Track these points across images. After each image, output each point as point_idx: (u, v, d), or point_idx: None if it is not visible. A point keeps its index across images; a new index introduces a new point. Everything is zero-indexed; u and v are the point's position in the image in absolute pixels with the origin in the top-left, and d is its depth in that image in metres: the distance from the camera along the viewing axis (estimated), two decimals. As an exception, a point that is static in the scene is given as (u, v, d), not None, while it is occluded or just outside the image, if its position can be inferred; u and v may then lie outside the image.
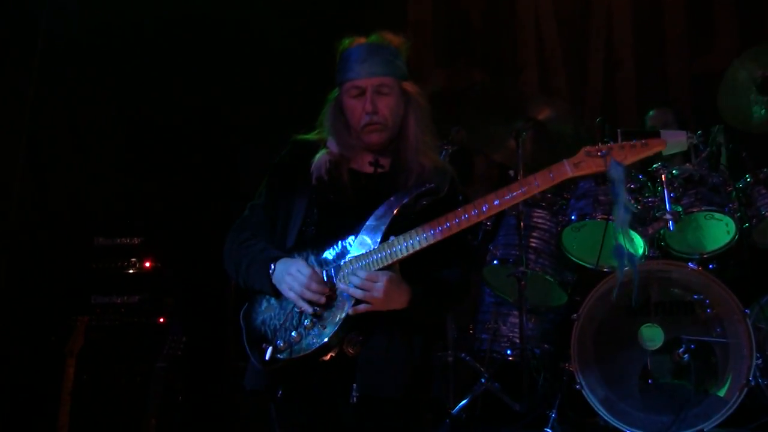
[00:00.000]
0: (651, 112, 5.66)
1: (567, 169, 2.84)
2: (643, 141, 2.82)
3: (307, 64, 6.12)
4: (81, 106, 5.86)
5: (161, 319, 5.22)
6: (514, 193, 2.88)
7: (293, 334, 2.96)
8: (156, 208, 5.83)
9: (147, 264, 5.33)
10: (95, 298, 5.26)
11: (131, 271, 5.31)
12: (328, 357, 2.94)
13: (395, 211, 2.99)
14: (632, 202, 2.67)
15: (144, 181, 5.93)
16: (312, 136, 3.29)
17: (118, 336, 5.20)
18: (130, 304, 5.26)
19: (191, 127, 6.11)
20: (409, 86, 3.22)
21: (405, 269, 2.97)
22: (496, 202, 2.89)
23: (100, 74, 5.93)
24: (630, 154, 2.82)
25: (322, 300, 2.94)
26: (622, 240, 2.78)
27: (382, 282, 2.88)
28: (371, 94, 3.12)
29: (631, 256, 2.81)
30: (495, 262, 5.22)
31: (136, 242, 5.35)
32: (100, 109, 5.96)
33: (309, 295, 2.94)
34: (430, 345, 3.15)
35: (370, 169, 3.22)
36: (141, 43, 6.02)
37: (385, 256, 2.93)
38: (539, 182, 2.86)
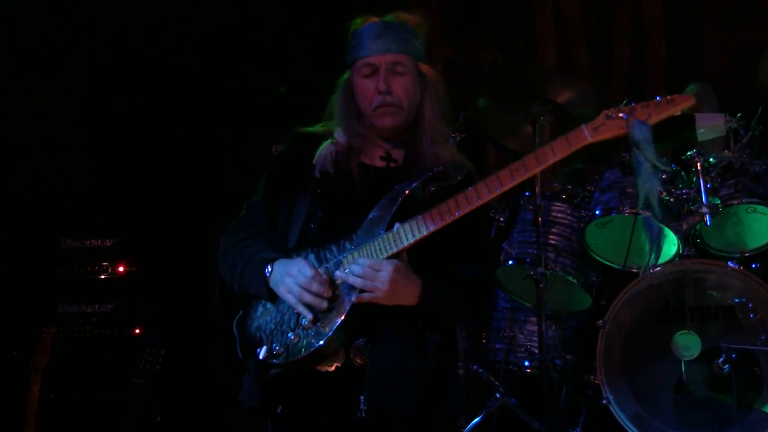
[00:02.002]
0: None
1: (586, 134, 2.88)
2: (668, 97, 2.85)
3: (301, 51, 6.14)
4: (44, 91, 5.86)
5: (137, 330, 5.26)
6: (529, 166, 2.90)
7: (290, 335, 2.98)
8: (130, 205, 5.85)
9: (120, 268, 5.36)
10: (63, 307, 5.30)
11: (103, 277, 5.35)
12: (333, 368, 2.95)
13: (401, 199, 3.01)
14: (661, 165, 2.70)
15: (117, 175, 5.94)
16: (317, 128, 3.32)
17: (88, 349, 5.24)
18: (101, 314, 5.29)
19: (171, 115, 6.11)
20: (426, 68, 3.25)
21: (416, 264, 2.97)
22: (512, 180, 2.90)
23: (66, 57, 5.93)
24: (654, 112, 2.84)
25: (324, 305, 2.95)
26: (655, 209, 2.81)
27: (387, 271, 2.89)
28: (385, 72, 3.15)
29: (659, 231, 2.82)
30: (510, 262, 5.21)
31: (109, 244, 5.39)
32: (66, 95, 5.96)
33: (308, 298, 2.94)
34: (447, 351, 3.15)
35: (381, 164, 3.24)
36: (113, 25, 6.02)
37: (390, 244, 2.95)
38: (556, 151, 2.88)
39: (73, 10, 5.89)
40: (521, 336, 5.33)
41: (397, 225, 2.95)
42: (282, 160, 3.34)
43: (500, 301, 5.49)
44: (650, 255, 2.88)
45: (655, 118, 2.83)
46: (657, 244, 2.89)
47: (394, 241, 2.94)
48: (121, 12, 6.01)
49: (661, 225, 2.87)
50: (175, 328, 5.42)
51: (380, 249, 2.96)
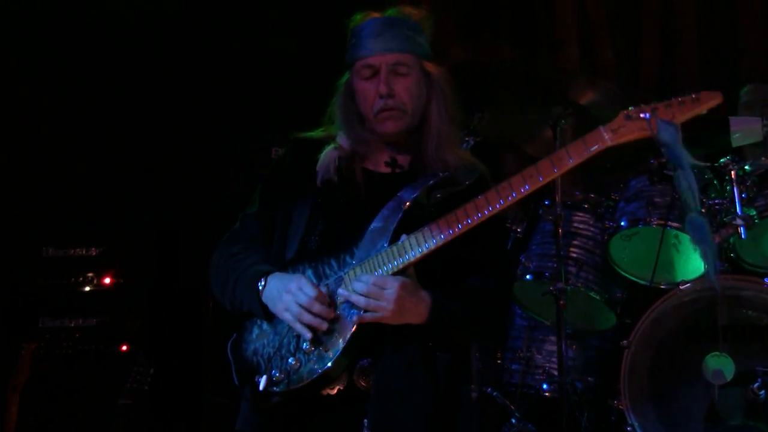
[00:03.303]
0: (746, 88, 5.65)
1: (604, 137, 2.86)
2: (693, 95, 2.83)
3: (303, 47, 6.15)
4: (23, 88, 5.87)
5: (124, 347, 5.25)
6: (544, 172, 2.90)
7: (291, 361, 2.97)
8: (118, 211, 5.84)
9: (106, 280, 5.36)
10: (44, 321, 5.29)
11: (87, 289, 5.35)
12: (335, 391, 2.95)
13: (405, 207, 3.01)
14: (698, 162, 2.69)
15: (104, 179, 5.94)
16: (316, 133, 3.33)
17: (71, 367, 5.22)
18: (85, 329, 5.30)
19: (162, 115, 6.12)
20: (431, 67, 3.25)
21: (425, 278, 2.97)
22: (525, 187, 2.90)
23: (50, 55, 5.94)
24: (678, 112, 2.82)
25: (324, 326, 2.94)
26: (695, 207, 2.76)
27: (393, 288, 2.88)
28: (386, 73, 3.15)
29: (704, 228, 2.78)
30: (528, 276, 5.21)
31: (94, 253, 5.39)
32: (48, 92, 5.97)
33: (308, 318, 2.94)
34: (458, 372, 3.15)
35: (386, 170, 3.25)
36: (101, 24, 6.05)
37: (394, 258, 2.94)
38: (573, 155, 2.88)
39: (60, 7, 5.91)
40: (539, 356, 5.34)
41: (403, 237, 2.94)
42: (279, 168, 3.35)
43: (517, 318, 5.49)
44: (705, 262, 2.82)
45: (679, 119, 2.82)
46: (711, 246, 2.83)
47: (399, 255, 2.94)
48: (110, 9, 6.03)
49: (705, 222, 2.83)
50: (165, 345, 5.42)
51: (384, 263, 2.95)
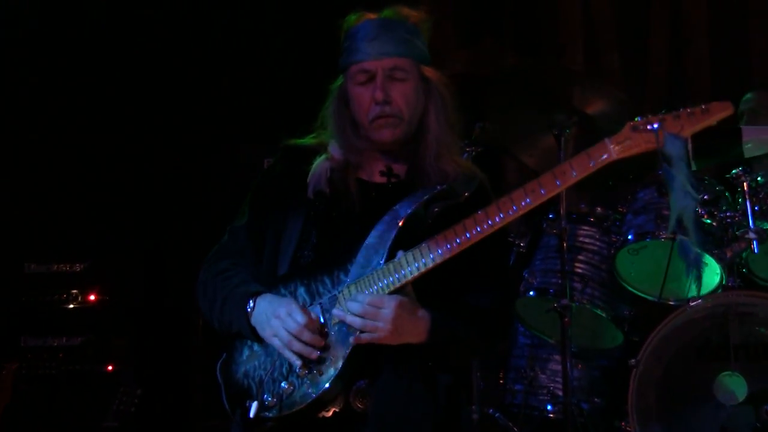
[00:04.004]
0: (749, 95, 5.65)
1: (610, 150, 2.84)
2: (702, 106, 2.80)
3: (294, 52, 6.14)
4: (2, 101, 5.88)
5: (110, 367, 5.23)
6: (547, 186, 2.87)
7: (283, 384, 2.96)
8: (103, 226, 5.84)
9: (91, 297, 5.35)
10: (26, 340, 5.29)
11: (71, 306, 5.34)
12: (331, 413, 2.94)
13: (400, 223, 2.99)
14: (695, 185, 2.66)
15: (88, 192, 5.93)
16: (307, 140, 3.31)
17: (54, 388, 5.21)
18: (70, 348, 5.29)
19: (149, 124, 6.12)
20: (430, 72, 3.24)
21: (423, 294, 2.96)
22: (526, 201, 2.88)
23: (31, 63, 5.95)
24: (687, 123, 2.80)
25: (314, 355, 2.93)
26: (690, 233, 2.76)
27: (389, 308, 2.87)
28: (382, 79, 3.13)
29: (697, 257, 2.78)
30: (531, 293, 5.22)
31: (78, 269, 5.37)
32: (29, 105, 5.97)
33: (298, 347, 2.93)
34: (459, 392, 3.14)
35: (382, 180, 3.23)
36: (83, 29, 6.05)
37: (390, 277, 2.93)
38: (576, 169, 2.86)
39: (42, 12, 5.92)
40: (543, 376, 5.33)
41: (399, 253, 2.93)
42: (269, 177, 3.34)
43: (520, 336, 5.49)
44: (688, 286, 2.84)
45: (688, 131, 2.80)
46: (696, 272, 2.83)
47: (395, 272, 2.93)
48: (92, 13, 6.04)
49: (699, 251, 2.81)
50: (153, 365, 5.41)
51: (379, 282, 2.94)
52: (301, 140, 3.31)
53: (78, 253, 5.40)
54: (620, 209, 5.22)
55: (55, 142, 6.03)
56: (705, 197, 4.84)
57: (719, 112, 2.80)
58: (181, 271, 5.57)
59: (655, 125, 2.80)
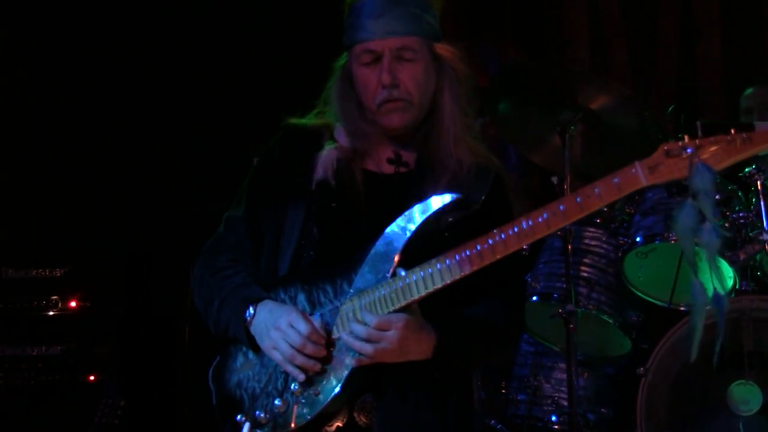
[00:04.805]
0: (749, 91, 5.67)
1: (640, 177, 2.68)
2: (744, 135, 2.61)
3: (297, 25, 6.12)
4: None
5: (91, 377, 5.22)
6: (570, 213, 2.76)
7: (277, 402, 2.93)
8: (84, 228, 5.83)
9: (72, 303, 5.34)
10: (3, 349, 5.27)
11: (51, 313, 5.33)
12: (333, 428, 2.92)
13: (410, 234, 2.93)
14: (721, 222, 2.51)
15: (68, 193, 5.93)
16: (310, 120, 3.26)
17: (33, 400, 5.20)
18: (49, 357, 5.27)
19: (131, 122, 6.12)
20: (442, 49, 3.15)
21: (428, 304, 2.91)
22: (547, 230, 2.79)
23: (7, 61, 5.95)
24: (726, 153, 2.61)
25: (317, 367, 2.90)
26: (708, 275, 2.66)
27: (396, 330, 2.83)
28: (390, 60, 3.04)
29: (719, 299, 2.70)
30: (534, 298, 5.21)
31: (58, 274, 5.36)
32: (6, 105, 5.97)
33: (301, 360, 2.89)
34: (467, 405, 3.14)
35: (389, 169, 3.17)
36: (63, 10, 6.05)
37: (398, 295, 2.88)
38: (603, 195, 2.73)
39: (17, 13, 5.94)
40: (547, 386, 5.32)
41: (402, 272, 2.88)
42: (268, 162, 3.27)
43: (523, 344, 5.47)
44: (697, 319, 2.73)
45: (725, 162, 2.61)
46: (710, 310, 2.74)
47: (402, 290, 2.87)
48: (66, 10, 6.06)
49: (721, 294, 2.72)
50: (137, 375, 5.40)
51: (384, 297, 2.89)
52: (303, 120, 3.25)
53: (57, 257, 5.39)
54: (628, 210, 5.20)
55: (31, 142, 6.04)
56: (717, 197, 4.84)
57: (764, 142, 2.61)
58: (167, 275, 5.59)
59: (689, 150, 2.63)
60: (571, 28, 6.77)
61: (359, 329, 2.85)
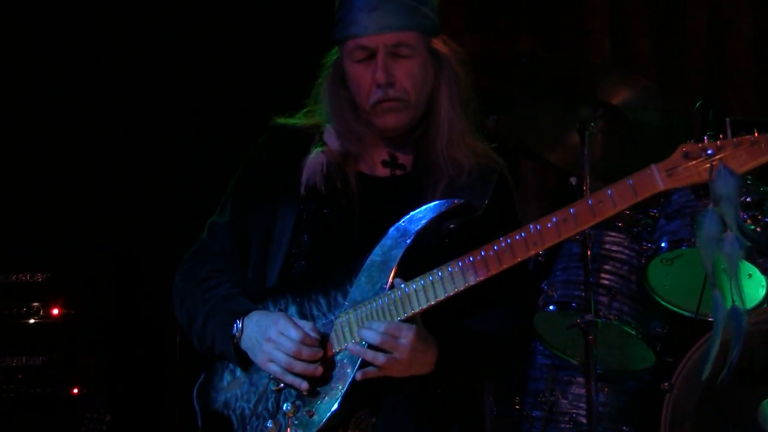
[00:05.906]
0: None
1: (657, 180, 2.69)
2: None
3: (285, 18, 6.12)
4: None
5: (75, 390, 5.23)
6: (581, 219, 2.76)
7: (269, 424, 2.91)
8: (67, 232, 5.84)
9: (55, 311, 5.35)
10: (-19, 360, 5.28)
11: (32, 321, 5.35)
12: (332, 448, 2.91)
13: (408, 242, 2.91)
14: (746, 229, 2.49)
15: (50, 194, 5.93)
16: (299, 119, 3.26)
17: (13, 413, 5.21)
18: (30, 368, 5.29)
19: (116, 119, 6.14)
20: (440, 44, 3.16)
21: (429, 311, 2.89)
22: (557, 237, 2.78)
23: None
24: (750, 156, 2.62)
25: (319, 371, 2.87)
26: (728, 289, 2.65)
27: (407, 338, 2.81)
28: (384, 57, 3.04)
29: (737, 314, 2.67)
30: (551, 307, 5.21)
31: (39, 279, 5.36)
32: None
33: (300, 367, 2.87)
34: (473, 420, 3.15)
35: (384, 172, 3.18)
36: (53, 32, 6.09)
37: (397, 307, 2.86)
38: (617, 201, 2.72)
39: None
40: (564, 401, 5.32)
41: (402, 284, 2.86)
42: (254, 165, 3.27)
43: (538, 356, 5.48)
44: (732, 350, 2.70)
45: (748, 165, 2.61)
46: (738, 339, 2.73)
47: (402, 303, 2.85)
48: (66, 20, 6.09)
49: (739, 309, 2.71)
50: (124, 388, 5.40)
51: (383, 309, 2.87)
52: (292, 120, 3.25)
53: (39, 261, 5.42)
54: (652, 213, 5.20)
55: (12, 142, 6.07)
56: (748, 199, 4.83)
57: None
58: (156, 281, 5.56)
59: (710, 152, 2.62)
60: (590, 16, 6.76)
61: (372, 336, 2.80)
